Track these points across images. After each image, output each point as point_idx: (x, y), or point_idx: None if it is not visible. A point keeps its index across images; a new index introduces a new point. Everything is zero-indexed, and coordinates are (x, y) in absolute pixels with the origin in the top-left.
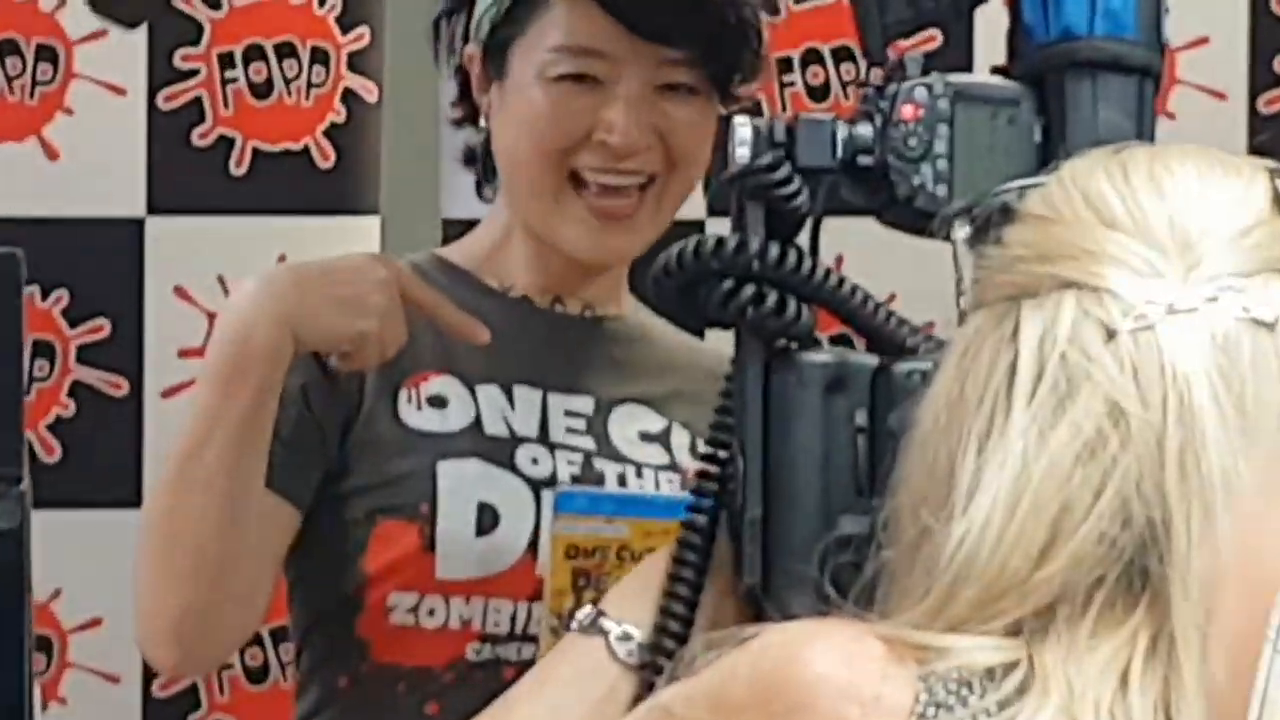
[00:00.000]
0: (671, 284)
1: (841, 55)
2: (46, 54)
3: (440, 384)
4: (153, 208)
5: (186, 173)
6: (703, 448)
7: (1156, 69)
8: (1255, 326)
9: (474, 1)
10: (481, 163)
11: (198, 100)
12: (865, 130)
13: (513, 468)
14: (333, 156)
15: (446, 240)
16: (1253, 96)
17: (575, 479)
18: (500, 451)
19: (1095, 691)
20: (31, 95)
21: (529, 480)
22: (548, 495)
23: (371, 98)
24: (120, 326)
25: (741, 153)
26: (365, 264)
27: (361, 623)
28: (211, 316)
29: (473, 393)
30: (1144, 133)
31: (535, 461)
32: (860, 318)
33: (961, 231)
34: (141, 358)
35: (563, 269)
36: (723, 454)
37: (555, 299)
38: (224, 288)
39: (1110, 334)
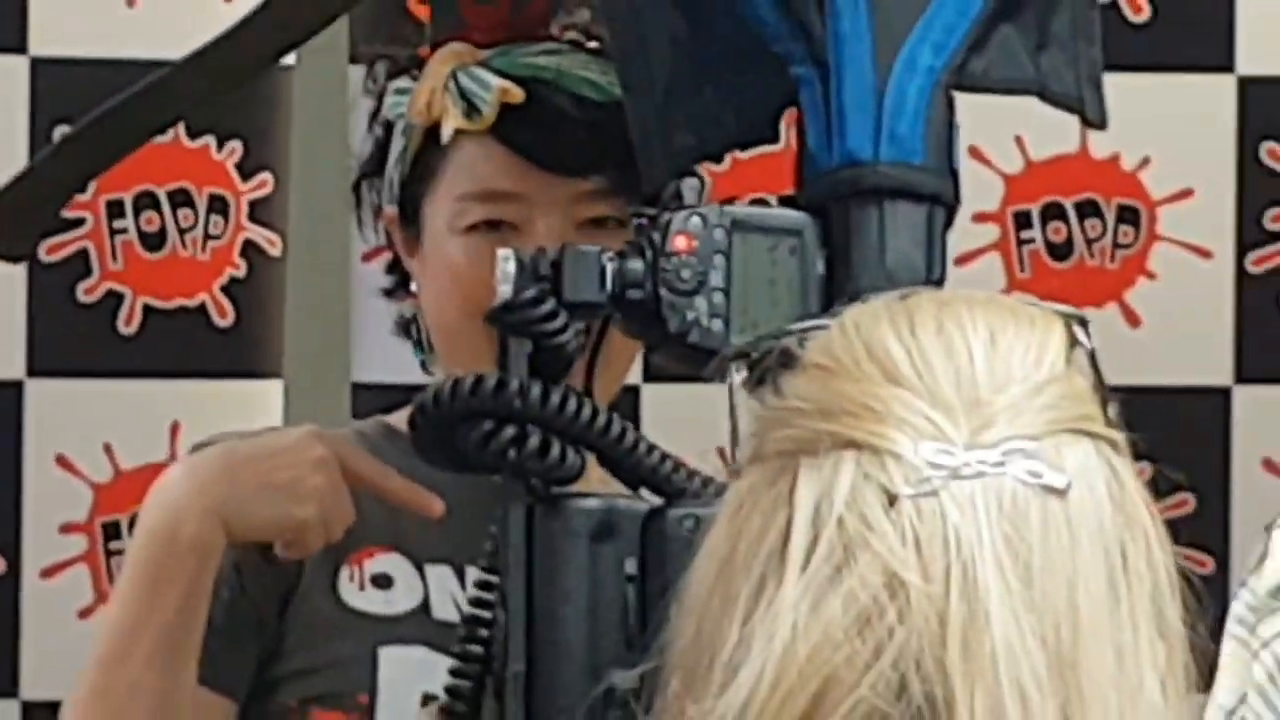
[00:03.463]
0: (428, 425)
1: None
2: None
3: (386, 562)
4: (33, 369)
5: (70, 331)
6: (467, 604)
7: (947, 197)
8: (1045, 493)
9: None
10: (417, 336)
11: (83, 253)
12: (635, 264)
13: None
14: (231, 314)
15: (357, 407)
16: (1240, 255)
17: None
18: (449, 638)
19: None
20: None
21: None
22: None
23: (274, 250)
24: None
25: (504, 288)
26: (301, 442)
27: None
28: (96, 488)
29: (421, 572)
30: (934, 264)
31: None
32: (629, 461)
33: (738, 376)
34: (20, 533)
35: None
36: (488, 612)
37: None
38: (110, 456)
39: (891, 499)
